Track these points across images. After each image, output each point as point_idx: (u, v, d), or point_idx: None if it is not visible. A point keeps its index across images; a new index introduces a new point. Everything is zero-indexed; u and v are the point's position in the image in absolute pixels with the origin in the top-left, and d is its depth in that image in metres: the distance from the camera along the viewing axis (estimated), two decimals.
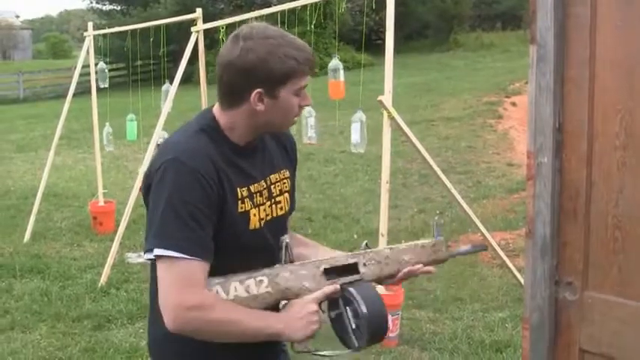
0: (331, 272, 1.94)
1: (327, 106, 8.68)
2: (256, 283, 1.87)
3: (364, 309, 1.87)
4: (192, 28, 6.27)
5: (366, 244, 2.05)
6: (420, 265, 2.09)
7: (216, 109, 1.98)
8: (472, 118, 12.97)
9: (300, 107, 1.96)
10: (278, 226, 2.05)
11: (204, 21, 6.44)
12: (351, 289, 1.91)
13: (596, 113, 2.19)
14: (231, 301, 1.85)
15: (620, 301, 2.19)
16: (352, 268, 1.98)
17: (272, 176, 2.04)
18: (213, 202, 1.84)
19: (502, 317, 5.15)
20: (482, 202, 8.51)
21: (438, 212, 7.86)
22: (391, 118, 4.65)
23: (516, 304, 5.23)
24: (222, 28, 5.95)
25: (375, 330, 1.89)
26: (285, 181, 2.08)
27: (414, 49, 28.04)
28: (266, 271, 1.88)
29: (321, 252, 2.15)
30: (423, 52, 27.55)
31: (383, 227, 4.61)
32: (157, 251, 1.82)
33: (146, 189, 1.90)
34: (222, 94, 1.96)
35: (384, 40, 4.67)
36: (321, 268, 1.94)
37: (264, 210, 1.99)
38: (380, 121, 4.73)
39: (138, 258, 6.58)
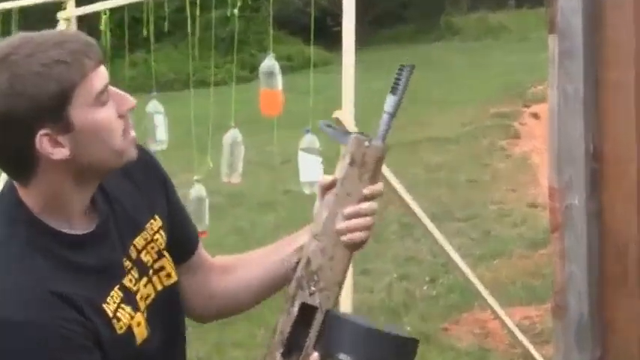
0: (291, 345, 1.98)
1: (261, 125, 8.78)
2: None
3: (348, 357, 1.90)
4: (60, 15, 6.27)
5: (297, 262, 2.01)
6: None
7: (21, 191, 1.89)
8: (475, 139, 13.05)
9: (122, 115, 1.87)
10: (171, 299, 2.06)
11: (78, 4, 6.44)
12: (325, 345, 1.93)
13: None
14: None
15: None
16: (308, 313, 1.97)
17: (136, 242, 2.01)
18: (89, 343, 1.84)
19: None
20: (492, 262, 8.63)
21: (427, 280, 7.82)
22: None
23: None
24: (105, 13, 5.97)
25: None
26: (157, 235, 2.06)
27: (388, 39, 28.05)
28: None
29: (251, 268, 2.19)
30: (401, 42, 27.47)
31: (346, 303, 4.65)
32: None
33: None
34: (6, 170, 1.89)
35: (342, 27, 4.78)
36: (278, 357, 1.98)
37: (141, 297, 1.99)
38: (337, 146, 4.79)
39: None
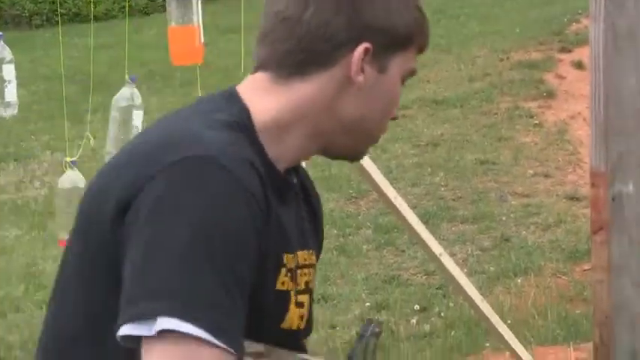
0: None
1: (171, 82, 9.38)
2: None
3: None
4: None
5: None
6: None
7: (250, 89, 2.22)
8: (489, 100, 13.05)
9: (392, 116, 2.30)
10: (295, 343, 2.27)
11: None
12: None
13: None
14: None
15: None
16: None
17: (300, 254, 2.29)
18: (258, 256, 2.06)
19: None
20: (513, 281, 8.78)
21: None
22: None
23: None
24: None
25: None
26: (311, 270, 2.34)
27: None
28: None
29: None
30: None
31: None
32: (169, 323, 1.91)
33: (119, 210, 2.03)
34: (295, 45, 2.16)
35: None
36: None
37: (296, 308, 2.28)
38: None
39: None
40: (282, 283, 2.16)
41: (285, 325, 2.19)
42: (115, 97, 5.50)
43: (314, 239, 2.37)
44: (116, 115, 5.50)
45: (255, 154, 2.12)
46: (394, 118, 2.30)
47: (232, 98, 2.20)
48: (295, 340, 2.24)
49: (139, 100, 5.46)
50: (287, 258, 2.19)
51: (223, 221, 1.98)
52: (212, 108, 2.19)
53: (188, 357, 1.93)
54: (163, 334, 1.90)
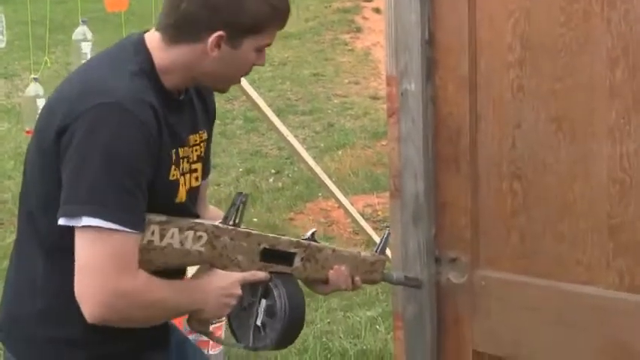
0: (268, 254, 2.33)
1: (110, 25, 8.88)
2: (194, 238, 2.22)
3: (285, 311, 2.29)
4: None
5: (313, 233, 2.44)
6: (358, 279, 2.46)
7: (152, 41, 2.26)
8: (318, 34, 13.21)
9: (250, 67, 2.28)
10: (193, 198, 2.39)
11: None
12: (281, 284, 2.32)
13: (479, 17, 2.26)
14: (156, 278, 2.18)
15: (525, 280, 2.28)
16: (287, 258, 2.36)
17: (191, 137, 2.35)
18: (153, 165, 2.15)
19: (371, 317, 5.26)
20: (336, 153, 8.87)
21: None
22: None
23: (390, 298, 5.35)
24: None
25: (284, 337, 2.32)
26: (201, 145, 2.41)
27: None
28: (209, 226, 2.25)
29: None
30: None
31: None
32: (89, 221, 2.05)
33: (58, 133, 2.12)
34: (174, 23, 2.22)
35: None
36: (261, 247, 2.31)
37: (188, 179, 2.34)
38: None
39: None
40: (172, 175, 2.23)
41: (177, 200, 2.25)
42: (75, 32, 5.32)
43: (205, 121, 2.41)
44: (76, 45, 5.29)
45: (153, 90, 2.18)
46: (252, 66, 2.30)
47: (139, 49, 2.24)
48: (185, 209, 2.27)
49: (89, 35, 5.25)
50: (180, 151, 2.27)
51: (125, 149, 2.06)
52: (123, 57, 2.23)
53: (103, 241, 2.05)
54: (87, 227, 2.04)
